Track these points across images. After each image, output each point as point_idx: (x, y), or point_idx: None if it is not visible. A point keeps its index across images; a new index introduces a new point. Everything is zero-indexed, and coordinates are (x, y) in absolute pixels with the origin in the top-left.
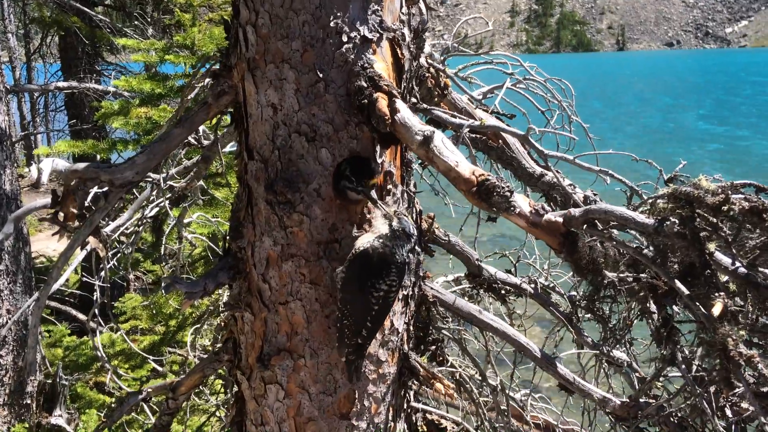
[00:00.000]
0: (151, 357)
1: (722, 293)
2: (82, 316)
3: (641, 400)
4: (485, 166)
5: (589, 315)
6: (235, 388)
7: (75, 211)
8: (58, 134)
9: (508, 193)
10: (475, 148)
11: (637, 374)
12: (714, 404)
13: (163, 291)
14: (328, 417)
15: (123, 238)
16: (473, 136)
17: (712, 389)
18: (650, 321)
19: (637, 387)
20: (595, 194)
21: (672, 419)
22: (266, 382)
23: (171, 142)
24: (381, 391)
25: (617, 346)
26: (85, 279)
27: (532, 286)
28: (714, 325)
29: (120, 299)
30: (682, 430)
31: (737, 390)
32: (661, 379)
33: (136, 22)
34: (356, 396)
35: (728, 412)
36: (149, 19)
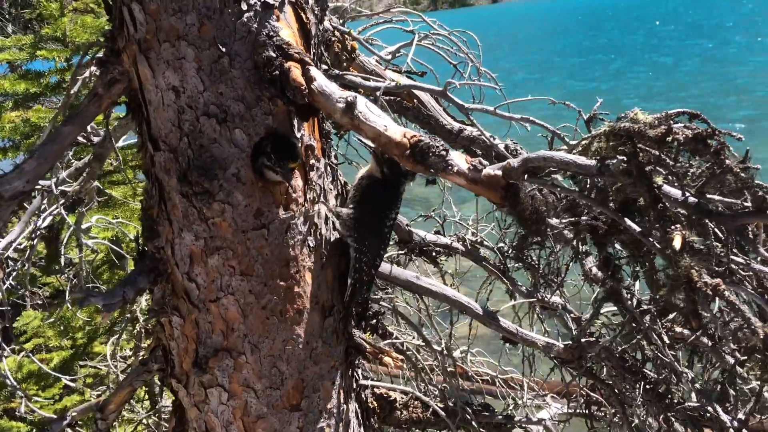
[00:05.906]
0: (64, 376)
1: (678, 225)
2: None
3: (582, 340)
4: None
5: (518, 264)
6: (171, 397)
7: None
8: None
9: (444, 152)
10: (390, 110)
11: (571, 315)
12: (662, 336)
13: (69, 305)
14: (278, 411)
15: (16, 255)
16: (387, 98)
17: (647, 319)
18: (583, 263)
19: (571, 327)
20: (515, 143)
21: (615, 354)
22: (206, 387)
23: (62, 142)
24: (330, 375)
25: (551, 291)
26: None
27: (462, 243)
28: (677, 259)
29: (17, 318)
30: (623, 363)
31: (706, 319)
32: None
33: None
34: (304, 385)
35: (665, 338)
36: (7, 16)
